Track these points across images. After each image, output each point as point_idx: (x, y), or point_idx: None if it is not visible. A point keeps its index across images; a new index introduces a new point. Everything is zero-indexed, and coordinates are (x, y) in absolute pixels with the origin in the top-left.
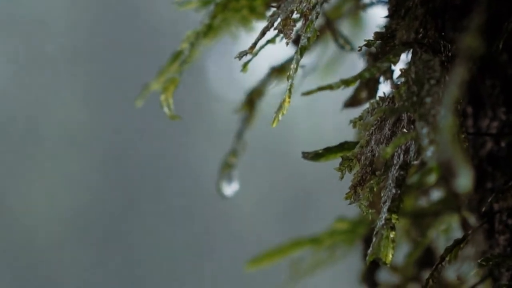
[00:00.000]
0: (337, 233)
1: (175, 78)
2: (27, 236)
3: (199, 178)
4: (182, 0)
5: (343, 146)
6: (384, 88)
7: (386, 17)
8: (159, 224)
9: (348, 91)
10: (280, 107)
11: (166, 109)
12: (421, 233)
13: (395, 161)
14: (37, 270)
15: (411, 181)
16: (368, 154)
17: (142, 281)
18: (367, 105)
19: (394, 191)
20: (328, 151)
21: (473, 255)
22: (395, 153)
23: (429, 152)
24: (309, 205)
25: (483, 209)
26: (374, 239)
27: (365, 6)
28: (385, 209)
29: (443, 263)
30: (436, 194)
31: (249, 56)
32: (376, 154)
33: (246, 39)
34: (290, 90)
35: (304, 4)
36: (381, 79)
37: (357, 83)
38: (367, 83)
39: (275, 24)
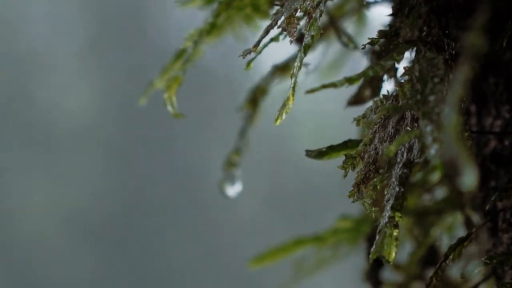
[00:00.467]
0: (340, 231)
1: (178, 76)
2: (27, 236)
3: (201, 178)
4: None
5: (347, 144)
6: (388, 86)
7: (390, 15)
8: (161, 224)
9: (352, 89)
10: (284, 105)
11: (169, 108)
12: (425, 232)
13: (398, 159)
14: (37, 270)
15: (415, 179)
16: (372, 152)
17: (143, 281)
18: (370, 103)
19: (397, 189)
20: (331, 149)
21: (477, 253)
22: (399, 151)
23: (432, 150)
24: (312, 203)
25: (487, 208)
26: (377, 237)
27: (369, 4)
28: (388, 207)
29: (446, 262)
30: (440, 192)
31: (252, 54)
32: (380, 152)
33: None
34: (293, 88)
35: (308, 2)
36: (385, 77)
37: (360, 81)
38: (371, 81)
39: (279, 22)
